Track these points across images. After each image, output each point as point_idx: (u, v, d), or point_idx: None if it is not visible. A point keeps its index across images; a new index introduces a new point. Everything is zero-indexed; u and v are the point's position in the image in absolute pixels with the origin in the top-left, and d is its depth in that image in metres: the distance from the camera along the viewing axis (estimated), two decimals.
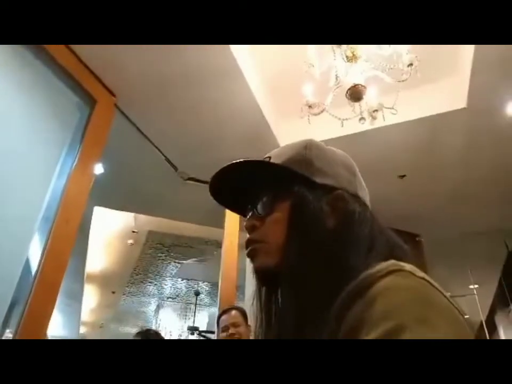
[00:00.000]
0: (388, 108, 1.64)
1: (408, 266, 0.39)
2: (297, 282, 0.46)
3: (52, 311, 1.69)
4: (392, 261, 0.41)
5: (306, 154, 0.55)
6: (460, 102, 2.30)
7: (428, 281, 0.38)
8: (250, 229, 0.54)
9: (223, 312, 1.94)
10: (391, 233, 0.51)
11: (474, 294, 4.47)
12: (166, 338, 7.84)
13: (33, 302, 1.61)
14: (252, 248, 0.53)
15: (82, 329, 8.76)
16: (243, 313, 1.86)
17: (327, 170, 0.54)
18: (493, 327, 6.28)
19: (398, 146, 2.61)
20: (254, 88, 2.26)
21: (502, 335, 6.10)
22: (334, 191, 0.51)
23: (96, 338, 8.85)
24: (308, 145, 0.57)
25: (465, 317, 0.39)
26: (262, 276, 0.53)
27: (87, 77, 2.10)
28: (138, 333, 1.98)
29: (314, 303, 0.43)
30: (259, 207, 0.54)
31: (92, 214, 3.41)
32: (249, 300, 1.84)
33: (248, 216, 0.55)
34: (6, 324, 1.57)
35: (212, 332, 6.17)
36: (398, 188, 3.13)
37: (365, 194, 0.57)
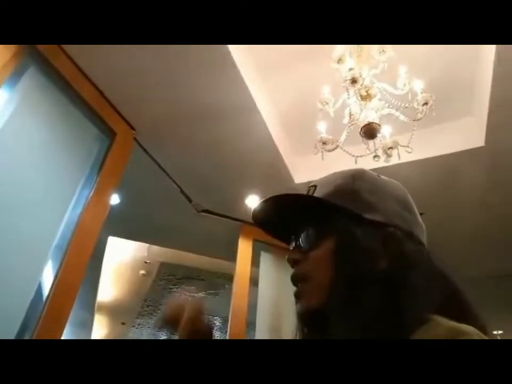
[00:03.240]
0: (403, 146, 1.63)
1: (471, 330, 0.35)
2: (346, 326, 0.42)
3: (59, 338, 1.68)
4: (452, 324, 0.37)
5: (354, 186, 0.51)
6: (477, 140, 2.28)
7: None
8: (293, 262, 0.52)
9: None
10: (450, 275, 0.47)
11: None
12: None
13: (42, 329, 1.61)
14: (297, 290, 0.51)
15: None
16: None
17: (378, 205, 0.49)
18: None
19: (414, 184, 2.57)
20: (269, 124, 2.30)
21: None
22: (385, 229, 0.47)
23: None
24: (357, 175, 0.53)
25: None
26: (306, 318, 0.50)
27: (108, 110, 2.19)
28: None
29: None
30: (302, 239, 0.51)
31: (106, 244, 3.43)
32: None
33: (291, 248, 0.53)
34: None
35: None
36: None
37: (421, 231, 0.52)
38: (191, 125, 2.33)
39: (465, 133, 2.35)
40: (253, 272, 3.10)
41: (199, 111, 2.22)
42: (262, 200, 0.53)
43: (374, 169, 2.21)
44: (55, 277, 1.77)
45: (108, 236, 3.35)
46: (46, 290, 1.75)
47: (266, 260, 3.20)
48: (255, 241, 3.17)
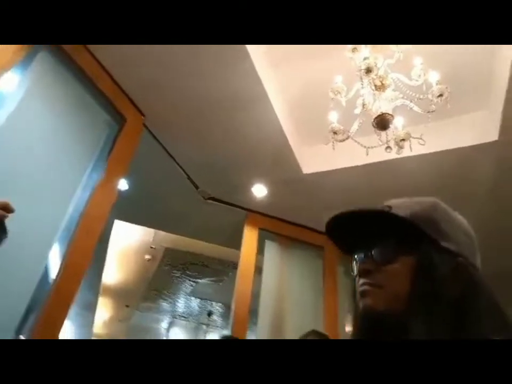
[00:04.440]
0: (416, 138, 1.60)
1: None
2: (413, 335, 0.46)
3: (64, 319, 1.71)
4: None
5: (434, 215, 0.56)
6: (491, 134, 2.24)
7: None
8: (365, 272, 0.55)
9: None
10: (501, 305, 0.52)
11: None
12: None
13: (48, 309, 1.63)
14: (367, 288, 0.54)
15: None
16: None
17: (452, 235, 0.54)
18: None
19: (425, 177, 2.55)
20: (279, 114, 2.28)
21: None
22: (456, 258, 0.52)
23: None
24: (435, 205, 0.58)
25: None
26: (369, 316, 0.53)
27: (118, 95, 2.17)
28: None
29: None
30: (376, 252, 0.55)
31: (111, 227, 3.45)
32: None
33: (362, 259, 0.56)
34: (20, 329, 1.58)
35: None
36: None
37: (479, 262, 0.57)
38: (201, 113, 2.31)
39: (479, 127, 2.31)
40: (257, 260, 3.11)
41: (209, 100, 2.20)
42: (342, 211, 0.56)
43: (386, 161, 2.18)
44: (63, 259, 1.78)
45: (114, 219, 3.37)
46: (53, 272, 1.77)
47: (271, 249, 3.20)
48: (260, 229, 3.17)
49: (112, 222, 3.41)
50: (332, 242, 0.60)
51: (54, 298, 1.67)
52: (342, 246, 0.61)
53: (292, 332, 2.94)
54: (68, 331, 7.59)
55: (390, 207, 0.57)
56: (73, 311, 6.37)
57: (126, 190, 2.98)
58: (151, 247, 4.41)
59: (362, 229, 0.56)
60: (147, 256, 4.64)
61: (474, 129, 2.33)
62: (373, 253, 0.55)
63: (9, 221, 0.87)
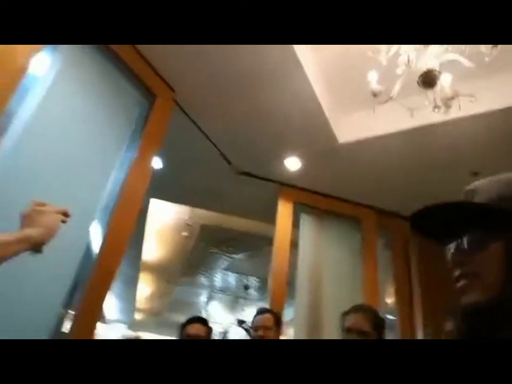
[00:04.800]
0: (465, 96, 1.47)
1: None
2: None
3: (106, 293, 1.77)
4: None
5: None
6: None
7: None
8: (459, 263, 0.55)
9: (258, 313, 2.02)
10: None
11: None
12: (214, 329, 8.02)
13: (91, 284, 1.70)
14: (465, 282, 0.53)
15: (138, 316, 9.21)
16: (277, 318, 1.92)
17: None
18: None
19: (474, 140, 2.36)
20: (312, 80, 2.17)
21: None
22: None
23: (148, 325, 9.21)
24: None
25: None
26: (471, 312, 0.53)
27: (148, 72, 2.14)
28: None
29: None
30: (466, 242, 0.54)
31: (148, 206, 3.52)
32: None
33: (453, 250, 0.56)
34: (67, 304, 1.65)
35: None
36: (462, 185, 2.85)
37: None
38: (233, 87, 2.24)
39: None
40: (293, 234, 3.07)
41: (240, 73, 2.13)
42: (426, 206, 0.55)
43: (433, 124, 2.00)
44: (104, 236, 1.82)
45: (150, 198, 3.43)
46: (95, 249, 1.82)
47: (306, 222, 3.15)
48: (295, 203, 3.12)
49: (148, 201, 3.47)
50: (418, 236, 0.61)
51: (97, 273, 1.73)
52: (430, 237, 0.59)
53: (330, 305, 2.92)
54: (113, 306, 8.00)
55: (473, 191, 0.56)
56: (116, 286, 6.69)
57: (161, 168, 3.01)
58: (187, 224, 4.49)
59: (448, 220, 0.55)
60: (184, 233, 4.73)
61: None
62: (463, 242, 0.54)
63: (54, 201, 0.89)
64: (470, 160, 2.57)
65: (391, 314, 3.32)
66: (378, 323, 1.62)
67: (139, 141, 2.07)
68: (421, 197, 3.15)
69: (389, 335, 3.16)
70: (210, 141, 2.73)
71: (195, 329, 1.99)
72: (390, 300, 3.37)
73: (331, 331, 2.65)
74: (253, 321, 2.00)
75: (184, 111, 2.46)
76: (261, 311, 2.03)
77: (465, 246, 0.54)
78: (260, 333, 1.91)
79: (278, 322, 1.97)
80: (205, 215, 4.14)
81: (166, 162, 2.97)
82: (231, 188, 3.24)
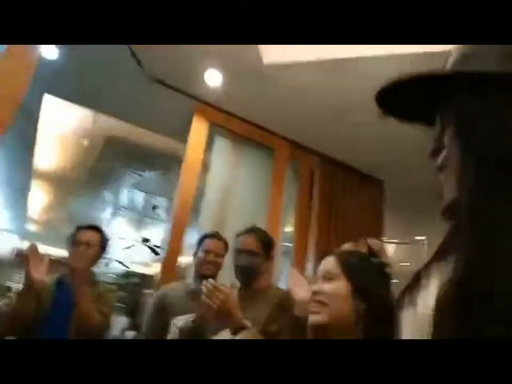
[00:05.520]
0: None
1: None
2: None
3: None
4: None
5: None
6: None
7: None
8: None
9: (211, 236, 1.88)
10: None
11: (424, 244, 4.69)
12: (116, 246, 7.87)
13: None
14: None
15: (33, 227, 8.57)
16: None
17: None
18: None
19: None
20: None
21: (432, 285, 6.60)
22: None
23: (45, 238, 8.70)
24: None
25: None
26: None
27: None
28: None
29: None
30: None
31: (41, 102, 3.03)
32: None
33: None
34: None
35: (163, 248, 6.19)
36: (381, 131, 2.96)
37: None
38: None
39: None
40: (205, 156, 2.93)
41: None
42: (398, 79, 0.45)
43: (359, 58, 1.88)
44: None
45: (44, 93, 2.93)
46: None
47: (220, 145, 3.02)
48: (211, 123, 2.94)
49: (41, 97, 2.97)
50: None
51: None
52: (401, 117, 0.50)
53: (234, 231, 2.95)
54: (3, 215, 7.28)
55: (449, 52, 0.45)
56: (6, 194, 6.01)
57: (57, 60, 2.53)
58: (90, 132, 4.04)
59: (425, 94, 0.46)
60: (86, 142, 4.28)
61: None
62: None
63: None
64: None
65: (289, 242, 3.50)
66: (268, 245, 1.65)
67: None
68: (337, 137, 3.21)
69: (284, 260, 3.35)
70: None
71: (87, 236, 1.82)
72: (290, 229, 3.53)
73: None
74: (202, 243, 1.85)
75: None
76: (214, 236, 1.90)
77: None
78: (211, 258, 1.79)
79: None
80: (111, 125, 3.73)
81: (66, 55, 2.50)
82: (143, 96, 2.91)
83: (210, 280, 1.32)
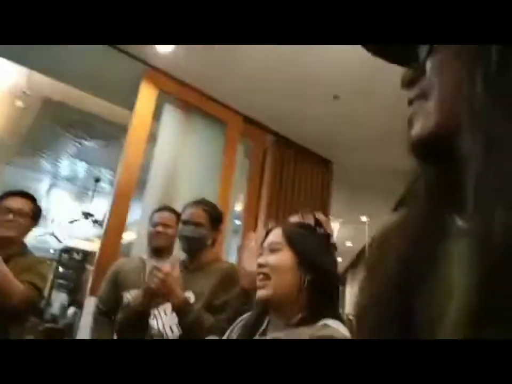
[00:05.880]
0: None
1: None
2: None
3: None
4: None
5: None
6: None
7: None
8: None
9: (159, 209, 1.89)
10: None
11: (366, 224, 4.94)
12: (57, 219, 7.39)
13: None
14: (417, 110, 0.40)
15: None
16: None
17: None
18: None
19: (341, 64, 2.37)
20: None
21: None
22: None
23: None
24: None
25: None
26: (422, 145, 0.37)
27: None
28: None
29: None
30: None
31: None
32: None
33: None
34: None
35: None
36: (330, 110, 2.97)
37: None
38: None
39: None
40: (152, 126, 2.77)
41: None
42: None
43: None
44: None
45: None
46: None
47: (169, 115, 2.86)
48: (160, 91, 2.77)
49: None
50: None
51: None
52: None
53: (182, 206, 2.83)
54: None
55: None
56: None
57: None
58: (25, 93, 3.64)
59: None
60: (19, 103, 3.87)
61: None
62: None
63: None
64: (332, 84, 2.64)
65: (239, 219, 3.46)
66: (215, 217, 1.62)
67: None
68: (287, 115, 3.18)
69: (234, 239, 3.32)
70: None
71: (18, 203, 1.65)
72: (240, 207, 3.49)
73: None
74: (152, 217, 1.86)
75: None
76: (162, 209, 1.90)
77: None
78: (160, 229, 1.78)
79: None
80: (48, 86, 3.39)
81: None
82: (85, 57, 2.65)
83: (152, 261, 1.37)
